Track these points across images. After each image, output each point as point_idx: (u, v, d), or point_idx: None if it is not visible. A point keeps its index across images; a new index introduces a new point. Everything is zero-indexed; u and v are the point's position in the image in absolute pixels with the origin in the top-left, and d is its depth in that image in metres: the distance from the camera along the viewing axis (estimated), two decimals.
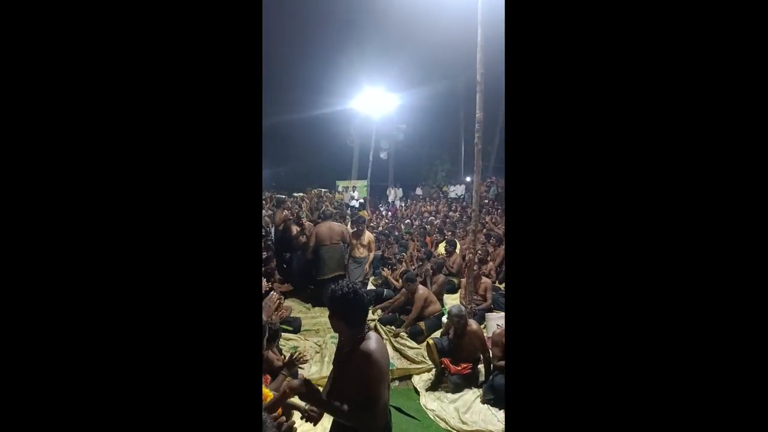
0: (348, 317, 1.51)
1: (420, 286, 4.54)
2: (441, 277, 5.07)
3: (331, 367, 3.67)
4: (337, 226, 5.24)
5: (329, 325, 5.26)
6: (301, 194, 9.63)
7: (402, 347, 3.94)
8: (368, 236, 5.39)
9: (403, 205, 14.03)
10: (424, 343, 3.90)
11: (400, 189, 15.84)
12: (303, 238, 5.42)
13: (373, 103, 11.71)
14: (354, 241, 5.27)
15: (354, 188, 13.92)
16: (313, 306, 5.18)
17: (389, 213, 12.68)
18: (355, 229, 5.38)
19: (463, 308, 3.57)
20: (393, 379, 3.57)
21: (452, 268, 5.88)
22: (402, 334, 4.12)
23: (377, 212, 12.40)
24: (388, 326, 4.35)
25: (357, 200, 12.27)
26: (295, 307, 5.08)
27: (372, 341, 1.50)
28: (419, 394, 3.36)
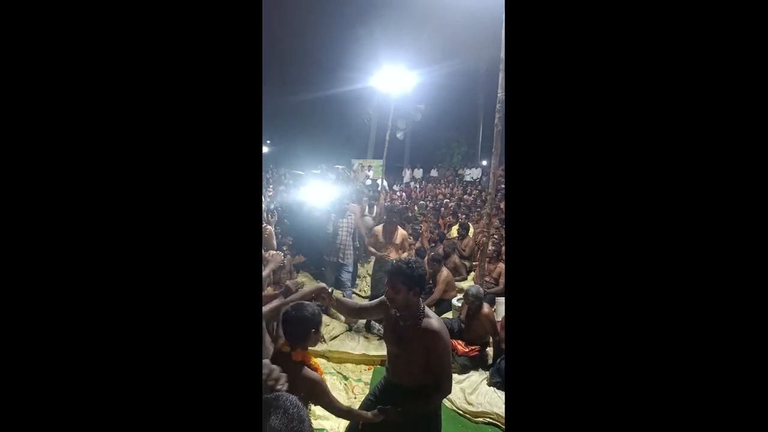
0: (414, 289, 1.59)
1: (444, 269, 4.50)
2: (455, 259, 5.05)
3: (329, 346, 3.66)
4: (359, 209, 5.19)
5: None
6: (342, 167, 9.61)
7: None
8: (401, 233, 4.11)
9: (417, 186, 13.93)
10: None
11: (420, 170, 15.67)
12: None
13: (391, 81, 11.51)
14: (382, 241, 3.93)
15: (369, 167, 13.83)
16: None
17: (403, 194, 12.61)
18: (384, 224, 4.02)
19: (481, 289, 3.56)
20: None
21: (464, 251, 5.86)
22: None
23: (391, 192, 12.35)
24: None
25: (372, 180, 12.23)
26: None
27: (433, 319, 1.57)
28: None
